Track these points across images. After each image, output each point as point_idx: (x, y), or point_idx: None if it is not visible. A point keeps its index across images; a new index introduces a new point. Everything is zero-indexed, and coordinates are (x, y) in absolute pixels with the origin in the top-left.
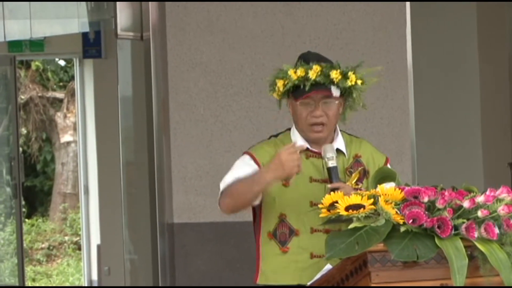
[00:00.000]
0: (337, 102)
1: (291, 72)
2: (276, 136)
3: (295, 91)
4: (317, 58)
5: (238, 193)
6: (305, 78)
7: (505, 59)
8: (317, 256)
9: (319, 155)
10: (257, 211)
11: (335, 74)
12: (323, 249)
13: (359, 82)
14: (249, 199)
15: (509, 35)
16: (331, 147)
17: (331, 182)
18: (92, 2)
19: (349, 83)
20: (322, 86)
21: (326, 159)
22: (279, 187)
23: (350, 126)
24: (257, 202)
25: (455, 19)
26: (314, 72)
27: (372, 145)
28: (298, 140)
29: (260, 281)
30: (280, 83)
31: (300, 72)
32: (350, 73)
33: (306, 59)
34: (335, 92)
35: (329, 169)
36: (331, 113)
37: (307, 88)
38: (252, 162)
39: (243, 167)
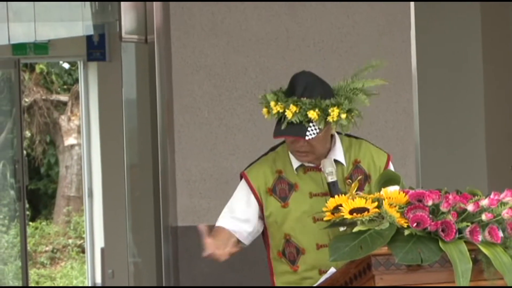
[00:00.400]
0: (320, 134)
1: (272, 104)
2: (274, 148)
3: (276, 124)
4: (305, 85)
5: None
6: (283, 115)
7: (510, 62)
8: (325, 271)
9: (316, 169)
10: (264, 230)
11: (312, 114)
12: (331, 264)
13: (343, 116)
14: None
15: None
16: (330, 162)
17: (332, 196)
18: (97, 5)
19: (330, 119)
20: (297, 128)
21: (326, 174)
22: (279, 209)
23: (354, 130)
24: (259, 231)
25: (459, 22)
26: (290, 112)
27: (373, 144)
28: (293, 157)
29: None
30: (264, 111)
31: (279, 107)
32: (332, 109)
33: (294, 85)
34: (312, 133)
35: (329, 184)
36: (314, 143)
37: (282, 127)
38: (248, 190)
39: (240, 201)
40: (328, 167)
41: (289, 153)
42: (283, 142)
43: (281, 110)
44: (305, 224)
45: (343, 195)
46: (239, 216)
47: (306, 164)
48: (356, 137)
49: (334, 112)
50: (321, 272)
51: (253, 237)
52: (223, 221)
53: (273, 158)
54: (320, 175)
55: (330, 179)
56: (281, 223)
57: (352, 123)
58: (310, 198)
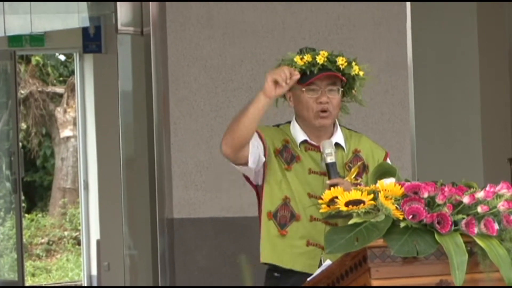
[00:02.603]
0: (341, 90)
1: (297, 58)
2: (277, 126)
3: (301, 78)
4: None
5: (235, 121)
6: (312, 63)
7: (505, 54)
8: (313, 244)
9: (317, 149)
10: (259, 191)
11: (341, 61)
12: (319, 238)
13: (361, 73)
14: (246, 123)
15: (509, 30)
16: (330, 143)
17: (329, 178)
18: None
19: (353, 71)
20: (330, 70)
21: (325, 155)
22: (283, 170)
23: (350, 122)
24: (259, 181)
25: (455, 13)
26: (322, 56)
27: (372, 140)
28: (298, 133)
29: (262, 259)
30: None
31: (307, 57)
32: (354, 63)
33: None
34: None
35: (327, 165)
36: (335, 101)
37: (315, 72)
38: (258, 139)
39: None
40: (327, 148)
41: (292, 130)
42: (285, 123)
43: (309, 60)
44: (301, 195)
45: (340, 177)
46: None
47: (309, 141)
48: (355, 131)
49: (355, 66)
50: (309, 244)
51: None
52: None
53: (280, 129)
54: (319, 155)
55: (329, 160)
56: (284, 184)
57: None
58: (308, 174)
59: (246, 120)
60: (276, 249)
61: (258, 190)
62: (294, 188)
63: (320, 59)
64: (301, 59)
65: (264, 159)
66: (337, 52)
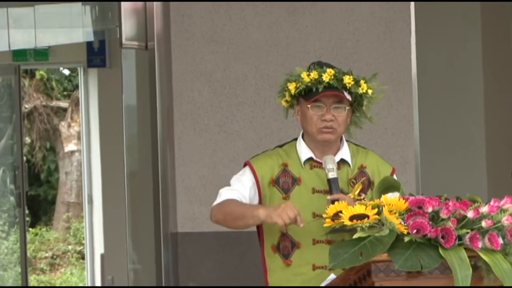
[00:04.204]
0: (347, 108)
1: (304, 74)
2: (281, 146)
3: (307, 94)
4: (329, 66)
5: (231, 217)
6: (318, 80)
7: (510, 70)
8: (319, 267)
9: (322, 166)
10: (259, 225)
11: (348, 79)
12: (325, 260)
13: (369, 91)
14: (239, 226)
15: None
16: (332, 159)
17: (331, 193)
18: (97, 11)
19: (360, 90)
20: (335, 89)
21: (327, 170)
22: (280, 200)
23: (354, 136)
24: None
25: (459, 29)
26: (328, 75)
27: (379, 156)
28: (303, 150)
29: None
30: (292, 86)
31: (314, 74)
32: (361, 81)
33: (319, 65)
34: (347, 96)
35: (329, 180)
36: (341, 119)
37: (320, 90)
38: (252, 177)
39: (242, 180)
40: (329, 163)
41: (298, 148)
42: (290, 141)
43: (316, 77)
44: (304, 218)
45: (341, 192)
46: (242, 191)
47: (315, 159)
48: (363, 147)
49: (364, 85)
50: (315, 268)
51: None
52: (227, 194)
53: (278, 152)
54: (325, 172)
55: (331, 175)
56: None
57: (370, 110)
58: (312, 194)
59: (240, 224)
60: (284, 280)
61: (258, 224)
62: None
63: (326, 77)
64: (308, 75)
65: (257, 197)
66: (347, 70)
